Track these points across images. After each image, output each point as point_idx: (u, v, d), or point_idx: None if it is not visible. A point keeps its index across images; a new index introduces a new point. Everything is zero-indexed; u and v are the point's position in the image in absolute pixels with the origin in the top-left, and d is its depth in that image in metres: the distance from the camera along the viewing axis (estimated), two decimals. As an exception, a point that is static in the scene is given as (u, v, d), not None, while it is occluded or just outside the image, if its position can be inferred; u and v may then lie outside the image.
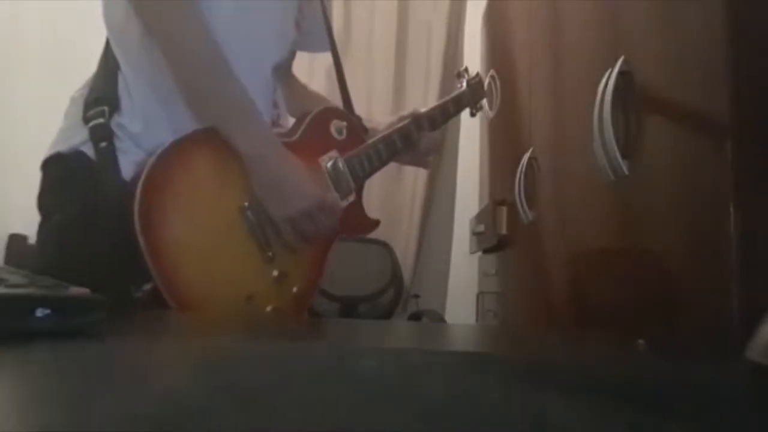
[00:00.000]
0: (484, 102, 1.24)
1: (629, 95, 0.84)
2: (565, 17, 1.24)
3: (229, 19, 0.84)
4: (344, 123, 0.96)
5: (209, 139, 0.80)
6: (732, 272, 0.58)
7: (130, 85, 0.83)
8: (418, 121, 1.05)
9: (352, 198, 0.94)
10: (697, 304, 0.66)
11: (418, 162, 1.13)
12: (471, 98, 1.18)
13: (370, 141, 0.98)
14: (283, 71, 1.03)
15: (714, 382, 0.31)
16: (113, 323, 0.45)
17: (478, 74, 1.21)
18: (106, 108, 0.81)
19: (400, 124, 1.04)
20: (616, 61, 0.85)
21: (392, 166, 1.08)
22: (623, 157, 0.82)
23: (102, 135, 0.80)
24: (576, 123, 1.08)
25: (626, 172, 0.82)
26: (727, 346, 0.53)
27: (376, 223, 1.00)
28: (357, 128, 0.99)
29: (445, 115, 1.13)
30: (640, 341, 0.47)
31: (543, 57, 1.43)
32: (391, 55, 2.64)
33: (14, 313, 0.39)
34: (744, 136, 0.59)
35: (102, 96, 0.83)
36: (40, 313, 0.39)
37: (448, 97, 1.16)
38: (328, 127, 0.94)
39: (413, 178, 2.55)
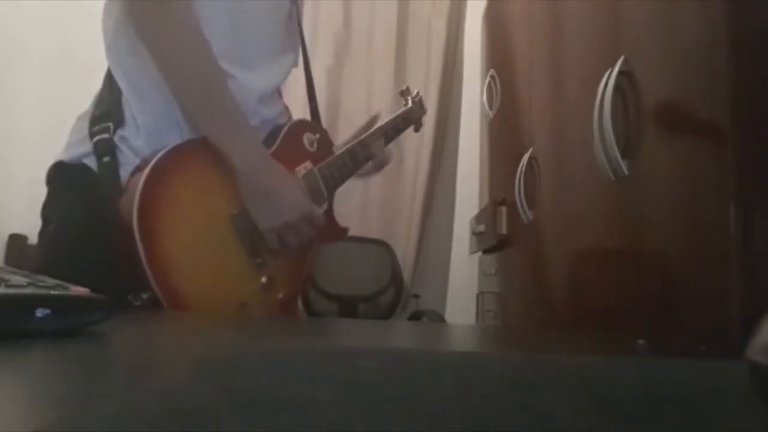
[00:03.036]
0: (424, 120, 1.31)
1: (629, 95, 0.84)
2: (565, 17, 1.24)
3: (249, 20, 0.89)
4: (316, 135, 1.00)
5: (201, 148, 0.82)
6: (732, 272, 0.58)
7: (128, 98, 0.85)
8: (374, 134, 1.12)
9: (325, 207, 0.99)
10: (697, 304, 0.66)
11: (375, 170, 1.21)
12: (416, 115, 1.25)
13: (337, 153, 1.03)
14: None
15: (714, 382, 0.31)
16: (113, 323, 0.45)
17: (418, 93, 1.28)
18: (110, 124, 0.84)
19: (361, 137, 1.10)
20: (616, 61, 0.85)
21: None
22: (623, 157, 0.82)
23: (105, 149, 0.82)
24: (576, 123, 1.08)
25: (626, 172, 0.82)
26: (727, 346, 0.53)
27: (345, 231, 1.06)
28: (326, 141, 1.03)
29: (396, 129, 1.19)
30: (640, 341, 0.47)
31: (543, 57, 1.42)
32: (391, 55, 2.63)
33: (14, 313, 0.39)
34: (744, 136, 0.59)
35: (106, 112, 0.85)
36: (40, 313, 0.39)
37: (397, 113, 1.22)
38: (301, 139, 0.98)
39: (413, 178, 2.55)
